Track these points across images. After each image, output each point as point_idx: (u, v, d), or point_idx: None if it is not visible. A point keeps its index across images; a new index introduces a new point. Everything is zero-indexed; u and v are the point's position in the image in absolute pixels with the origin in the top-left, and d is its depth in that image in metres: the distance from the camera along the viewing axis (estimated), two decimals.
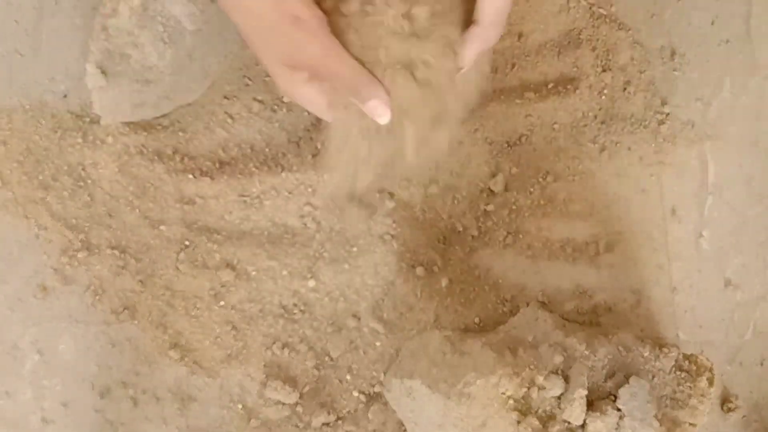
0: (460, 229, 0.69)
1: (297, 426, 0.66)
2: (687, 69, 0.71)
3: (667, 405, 0.61)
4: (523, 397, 0.59)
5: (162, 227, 0.66)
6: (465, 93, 0.55)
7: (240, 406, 0.66)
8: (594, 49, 0.69)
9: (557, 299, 0.69)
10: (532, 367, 0.59)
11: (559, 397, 0.60)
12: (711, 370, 0.62)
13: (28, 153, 0.63)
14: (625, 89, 0.70)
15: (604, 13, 0.70)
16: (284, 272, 0.67)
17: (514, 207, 0.69)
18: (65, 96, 0.64)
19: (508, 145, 0.69)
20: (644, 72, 0.70)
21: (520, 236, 0.69)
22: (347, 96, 0.49)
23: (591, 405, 0.60)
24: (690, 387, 0.61)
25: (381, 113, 0.50)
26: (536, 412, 0.59)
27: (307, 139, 0.67)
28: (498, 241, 0.69)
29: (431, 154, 0.54)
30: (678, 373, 0.62)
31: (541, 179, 0.69)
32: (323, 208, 0.67)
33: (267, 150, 0.67)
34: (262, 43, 0.50)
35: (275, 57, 0.49)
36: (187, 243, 0.66)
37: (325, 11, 0.49)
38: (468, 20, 0.52)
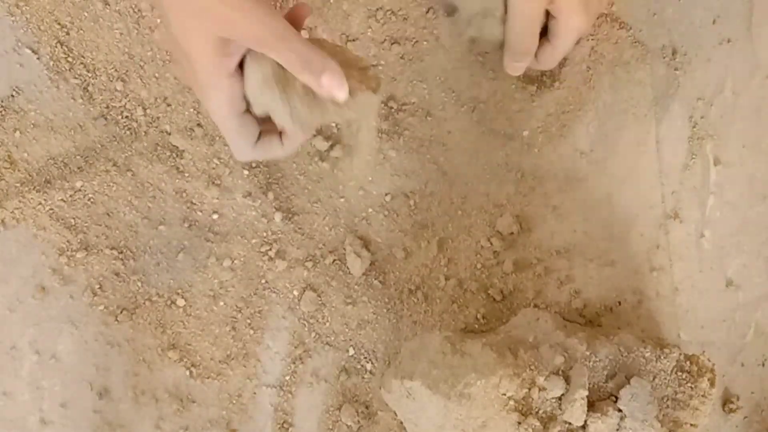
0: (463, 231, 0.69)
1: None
2: (688, 68, 0.71)
3: (669, 406, 0.61)
4: (523, 398, 0.59)
5: (161, 227, 0.66)
6: None
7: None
8: (594, 48, 0.69)
9: (557, 299, 0.69)
10: (532, 367, 0.59)
11: (559, 398, 0.59)
12: (712, 370, 0.62)
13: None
14: (626, 86, 0.70)
15: (605, 12, 0.69)
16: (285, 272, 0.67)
17: (514, 211, 0.69)
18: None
19: (509, 139, 0.69)
20: (644, 70, 0.70)
21: (521, 239, 0.69)
22: (296, 67, 0.44)
23: (592, 406, 0.60)
24: (691, 388, 0.61)
25: (338, 85, 0.44)
26: (537, 413, 0.59)
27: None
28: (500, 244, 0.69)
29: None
30: (679, 373, 0.62)
31: (541, 181, 0.69)
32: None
33: None
34: (189, 6, 0.43)
35: (205, 22, 0.43)
36: (186, 243, 0.66)
37: None
38: None
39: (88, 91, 0.64)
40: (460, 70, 0.68)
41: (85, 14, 0.64)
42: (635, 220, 0.70)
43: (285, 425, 0.67)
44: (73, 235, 0.64)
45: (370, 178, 0.68)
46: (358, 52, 0.66)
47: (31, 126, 0.63)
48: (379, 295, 0.68)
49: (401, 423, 0.66)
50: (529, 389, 0.59)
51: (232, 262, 0.66)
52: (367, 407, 0.68)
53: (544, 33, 0.60)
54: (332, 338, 0.67)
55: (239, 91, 0.47)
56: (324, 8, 0.66)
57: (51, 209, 0.64)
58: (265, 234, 0.67)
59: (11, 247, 0.63)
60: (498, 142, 0.69)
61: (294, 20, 0.50)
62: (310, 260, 0.67)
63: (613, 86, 0.70)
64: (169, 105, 0.65)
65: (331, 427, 0.67)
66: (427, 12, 0.67)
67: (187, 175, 0.66)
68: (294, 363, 0.67)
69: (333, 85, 0.44)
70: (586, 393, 0.59)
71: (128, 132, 0.65)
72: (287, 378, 0.67)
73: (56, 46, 0.63)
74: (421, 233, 0.68)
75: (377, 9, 0.66)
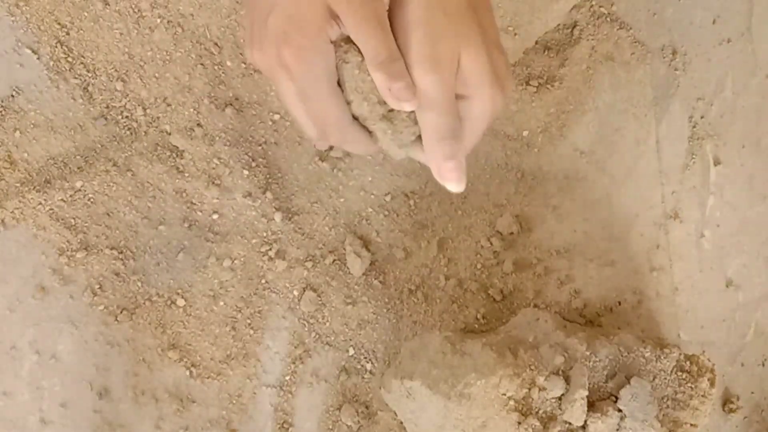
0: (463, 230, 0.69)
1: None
2: (688, 68, 0.71)
3: (669, 406, 0.61)
4: (523, 398, 0.59)
5: (161, 227, 0.66)
6: None
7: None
8: (594, 48, 0.69)
9: (557, 299, 0.69)
10: (532, 367, 0.59)
11: (559, 398, 0.59)
12: (712, 370, 0.62)
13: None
14: (626, 86, 0.70)
15: (605, 12, 0.69)
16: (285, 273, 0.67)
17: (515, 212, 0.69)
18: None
19: (509, 139, 0.69)
20: (644, 70, 0.70)
21: (521, 239, 0.69)
22: (379, 61, 0.43)
23: (592, 406, 0.60)
24: (691, 388, 0.61)
25: (408, 97, 0.43)
26: (537, 413, 0.59)
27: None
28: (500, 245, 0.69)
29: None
30: (679, 373, 0.62)
31: (541, 181, 0.69)
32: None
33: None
34: None
35: None
36: (186, 243, 0.66)
37: None
38: None
39: (88, 91, 0.64)
40: None
41: (85, 14, 0.63)
42: (635, 220, 0.70)
43: (285, 425, 0.67)
44: (73, 235, 0.64)
45: (370, 178, 0.68)
46: None
47: (31, 126, 0.63)
48: (379, 295, 0.68)
49: (401, 423, 0.66)
50: (529, 389, 0.59)
51: (232, 262, 0.66)
52: (367, 407, 0.68)
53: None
54: (332, 338, 0.67)
55: (333, 59, 0.45)
56: None
57: (51, 209, 0.64)
58: (265, 234, 0.67)
59: (11, 247, 0.63)
60: (498, 142, 0.69)
61: None
62: (310, 260, 0.67)
63: (613, 86, 0.70)
64: (169, 105, 0.65)
65: (331, 427, 0.67)
66: None
67: (187, 175, 0.66)
68: (294, 363, 0.67)
69: (403, 95, 0.43)
70: (586, 393, 0.59)
71: (128, 132, 0.65)
72: (287, 378, 0.67)
73: (56, 46, 0.63)
74: (421, 233, 0.68)
75: None
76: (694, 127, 0.71)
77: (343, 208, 0.68)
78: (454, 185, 0.46)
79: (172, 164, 0.65)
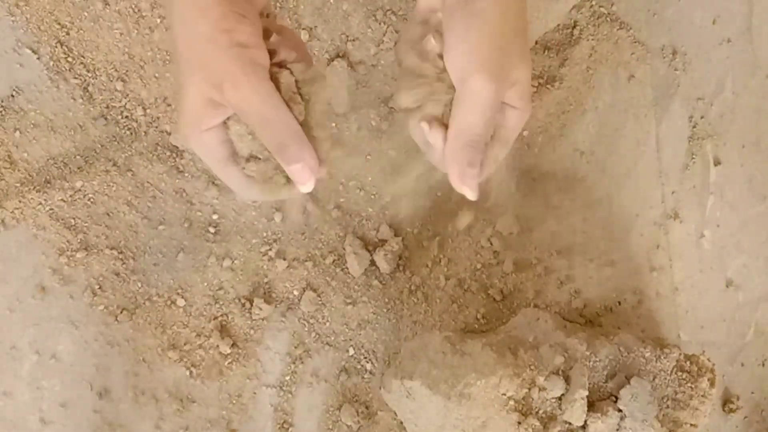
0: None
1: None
2: (688, 68, 0.71)
3: (669, 406, 0.61)
4: (523, 398, 0.59)
5: (161, 227, 0.66)
6: None
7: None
8: (594, 47, 0.69)
9: (557, 299, 0.69)
10: (532, 367, 0.59)
11: (559, 398, 0.59)
12: (712, 370, 0.62)
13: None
14: (626, 86, 0.70)
15: (605, 11, 0.69)
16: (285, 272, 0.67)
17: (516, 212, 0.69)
18: None
19: None
20: (644, 70, 0.70)
21: (521, 239, 0.69)
22: (271, 148, 0.44)
23: (592, 406, 0.60)
24: (691, 388, 0.61)
25: (305, 180, 0.45)
26: (537, 412, 0.59)
27: None
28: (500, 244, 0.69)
29: None
30: (679, 373, 0.62)
31: (541, 181, 0.69)
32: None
33: None
34: (189, 59, 0.43)
35: (199, 79, 0.43)
36: (186, 243, 0.66)
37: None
38: None
39: (88, 91, 0.64)
40: None
41: (85, 14, 0.63)
42: (635, 220, 0.70)
43: (285, 425, 0.67)
44: (73, 235, 0.64)
45: (370, 178, 0.68)
46: (358, 52, 0.66)
47: (31, 126, 0.63)
48: (379, 295, 0.68)
49: (401, 423, 0.66)
50: (529, 389, 0.59)
51: (232, 262, 0.66)
52: (367, 407, 0.68)
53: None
54: (332, 338, 0.67)
55: (216, 142, 0.45)
56: (324, 8, 0.66)
57: (51, 209, 0.64)
58: (265, 234, 0.67)
59: (11, 247, 0.63)
60: None
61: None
62: (310, 260, 0.67)
63: (613, 86, 0.70)
64: (169, 105, 0.65)
65: (331, 427, 0.67)
66: None
67: (187, 175, 0.66)
68: (294, 363, 0.67)
69: (301, 178, 0.45)
70: (586, 393, 0.59)
71: (128, 132, 0.65)
72: (287, 378, 0.67)
73: (56, 46, 0.63)
74: (421, 233, 0.68)
75: (377, 9, 0.66)
76: (694, 127, 0.71)
77: (343, 207, 0.68)
78: (472, 193, 0.47)
79: (172, 164, 0.65)
